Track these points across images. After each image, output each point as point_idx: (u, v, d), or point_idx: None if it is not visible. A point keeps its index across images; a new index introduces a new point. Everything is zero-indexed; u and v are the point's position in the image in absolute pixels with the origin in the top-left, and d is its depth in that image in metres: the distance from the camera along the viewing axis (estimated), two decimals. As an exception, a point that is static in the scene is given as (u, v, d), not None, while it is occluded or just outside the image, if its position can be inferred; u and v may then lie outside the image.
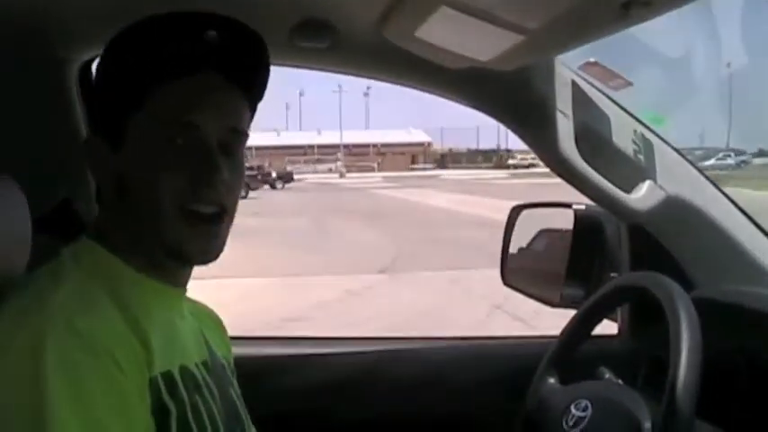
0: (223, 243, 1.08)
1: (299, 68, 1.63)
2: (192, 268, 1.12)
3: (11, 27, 1.42)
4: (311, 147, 74.92)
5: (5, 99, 1.55)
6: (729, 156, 54.86)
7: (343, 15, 1.42)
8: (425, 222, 20.11)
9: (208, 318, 1.29)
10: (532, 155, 1.66)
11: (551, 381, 1.47)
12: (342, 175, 58.87)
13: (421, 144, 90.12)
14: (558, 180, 1.58)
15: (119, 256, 1.04)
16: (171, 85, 1.03)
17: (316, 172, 61.49)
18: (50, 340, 0.87)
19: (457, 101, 1.65)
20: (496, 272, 1.96)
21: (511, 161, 72.25)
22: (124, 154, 1.04)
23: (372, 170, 70.81)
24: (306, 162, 67.55)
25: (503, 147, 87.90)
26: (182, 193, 1.02)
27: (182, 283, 1.13)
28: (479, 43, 1.24)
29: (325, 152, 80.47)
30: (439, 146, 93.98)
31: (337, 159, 71.63)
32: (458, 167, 72.27)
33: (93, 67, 1.68)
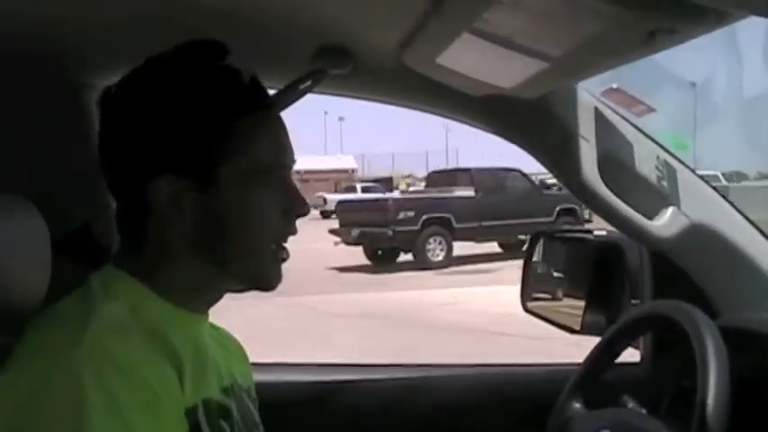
0: None
1: (319, 94, 1.63)
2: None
3: (29, 53, 1.42)
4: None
5: (24, 124, 1.56)
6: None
7: (364, 41, 1.41)
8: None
9: (229, 343, 1.29)
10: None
11: (576, 405, 1.46)
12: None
13: (346, 171, 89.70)
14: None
15: (147, 285, 1.05)
16: (250, 121, 1.07)
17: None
18: (90, 373, 0.88)
19: (478, 127, 1.65)
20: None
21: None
22: (216, 194, 1.05)
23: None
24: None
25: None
26: (276, 229, 1.10)
27: (205, 311, 1.15)
28: (502, 70, 1.24)
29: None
30: (390, 171, 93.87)
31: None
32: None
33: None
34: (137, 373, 0.91)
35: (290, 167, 1.13)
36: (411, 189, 26.67)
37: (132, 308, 1.00)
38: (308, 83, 1.28)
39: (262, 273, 1.10)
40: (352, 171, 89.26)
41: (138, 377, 0.91)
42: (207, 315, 1.15)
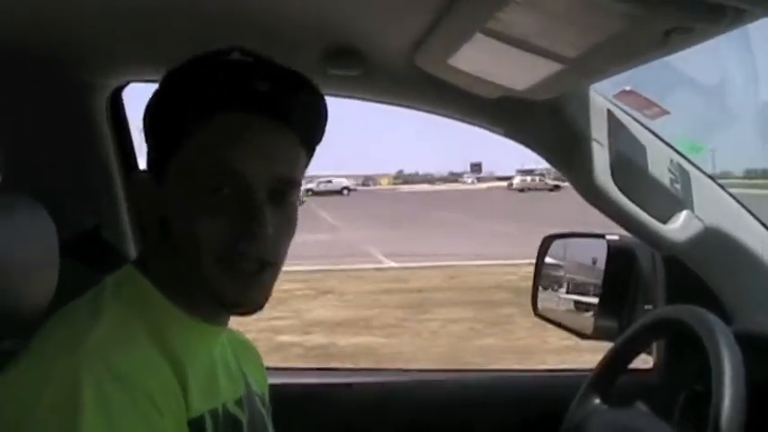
0: (268, 292, 1.02)
1: (330, 96, 1.62)
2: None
3: (41, 54, 1.42)
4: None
5: (35, 125, 1.55)
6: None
7: (375, 43, 1.40)
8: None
9: (246, 350, 1.27)
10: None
11: (596, 401, 1.45)
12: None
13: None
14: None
15: (160, 289, 1.01)
16: (209, 123, 0.99)
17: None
18: (88, 379, 0.86)
19: (489, 129, 1.63)
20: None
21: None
22: (166, 194, 1.00)
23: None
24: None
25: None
26: (222, 244, 0.97)
27: (222, 323, 1.09)
28: (515, 72, 1.22)
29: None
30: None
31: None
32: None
33: (124, 93, 1.69)
34: (136, 383, 0.88)
35: (253, 174, 0.98)
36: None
37: (140, 311, 0.98)
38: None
39: (216, 288, 0.99)
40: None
41: (138, 388, 0.88)
42: (223, 326, 1.10)
